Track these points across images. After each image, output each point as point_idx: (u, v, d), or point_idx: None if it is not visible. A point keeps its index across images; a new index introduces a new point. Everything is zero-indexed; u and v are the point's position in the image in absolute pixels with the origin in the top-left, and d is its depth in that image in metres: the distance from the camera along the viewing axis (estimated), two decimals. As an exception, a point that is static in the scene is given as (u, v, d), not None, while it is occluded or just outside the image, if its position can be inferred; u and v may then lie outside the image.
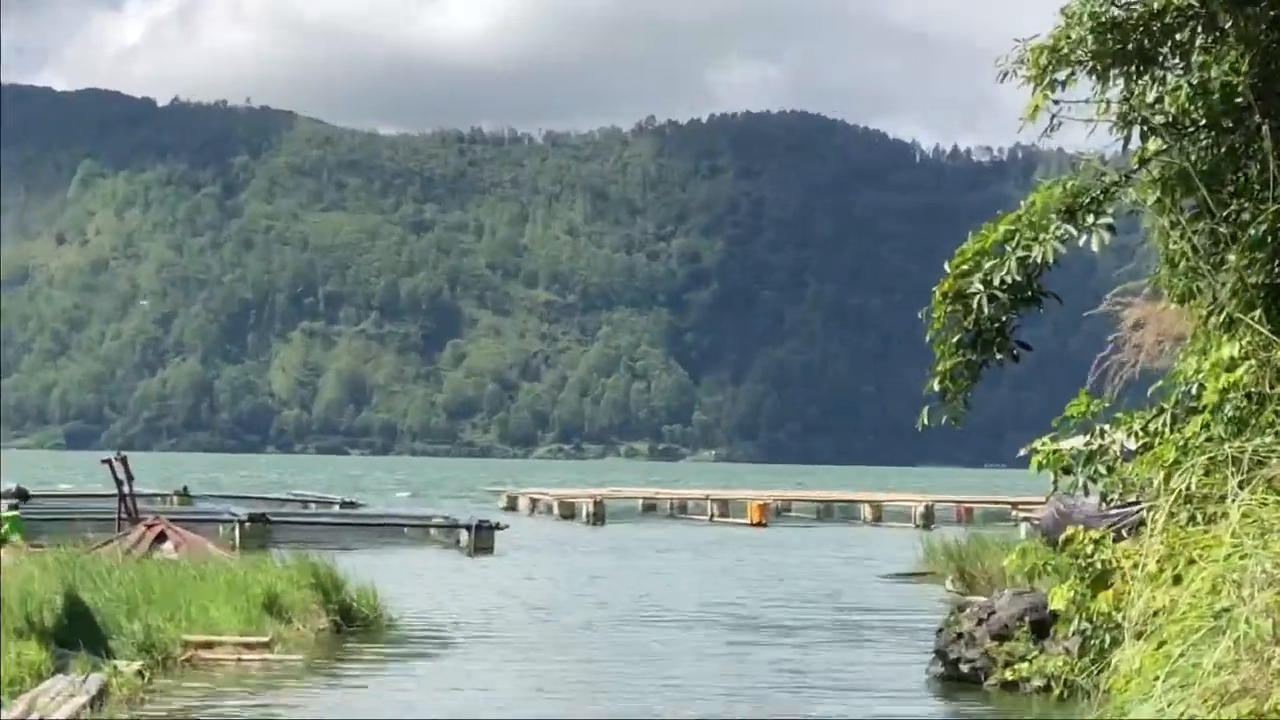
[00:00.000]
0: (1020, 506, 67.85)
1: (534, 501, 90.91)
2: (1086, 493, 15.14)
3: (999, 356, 14.95)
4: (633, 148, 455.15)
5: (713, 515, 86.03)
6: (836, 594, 42.71)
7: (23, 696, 20.03)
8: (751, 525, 78.35)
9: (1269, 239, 12.16)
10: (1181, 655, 8.89)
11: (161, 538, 39.95)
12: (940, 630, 27.04)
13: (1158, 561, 10.37)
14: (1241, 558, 9.05)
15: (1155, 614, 9.86)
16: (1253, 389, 11.94)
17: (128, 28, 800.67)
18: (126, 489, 44.18)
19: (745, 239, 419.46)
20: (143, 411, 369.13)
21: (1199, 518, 10.78)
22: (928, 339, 15.14)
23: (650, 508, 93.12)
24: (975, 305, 14.60)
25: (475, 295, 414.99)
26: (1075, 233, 14.42)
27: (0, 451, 65.58)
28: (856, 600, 40.98)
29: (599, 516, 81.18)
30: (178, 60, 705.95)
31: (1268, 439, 10.57)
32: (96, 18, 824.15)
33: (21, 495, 53.10)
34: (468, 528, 56.63)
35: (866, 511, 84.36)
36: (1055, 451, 14.60)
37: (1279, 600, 8.21)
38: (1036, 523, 35.41)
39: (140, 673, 23.52)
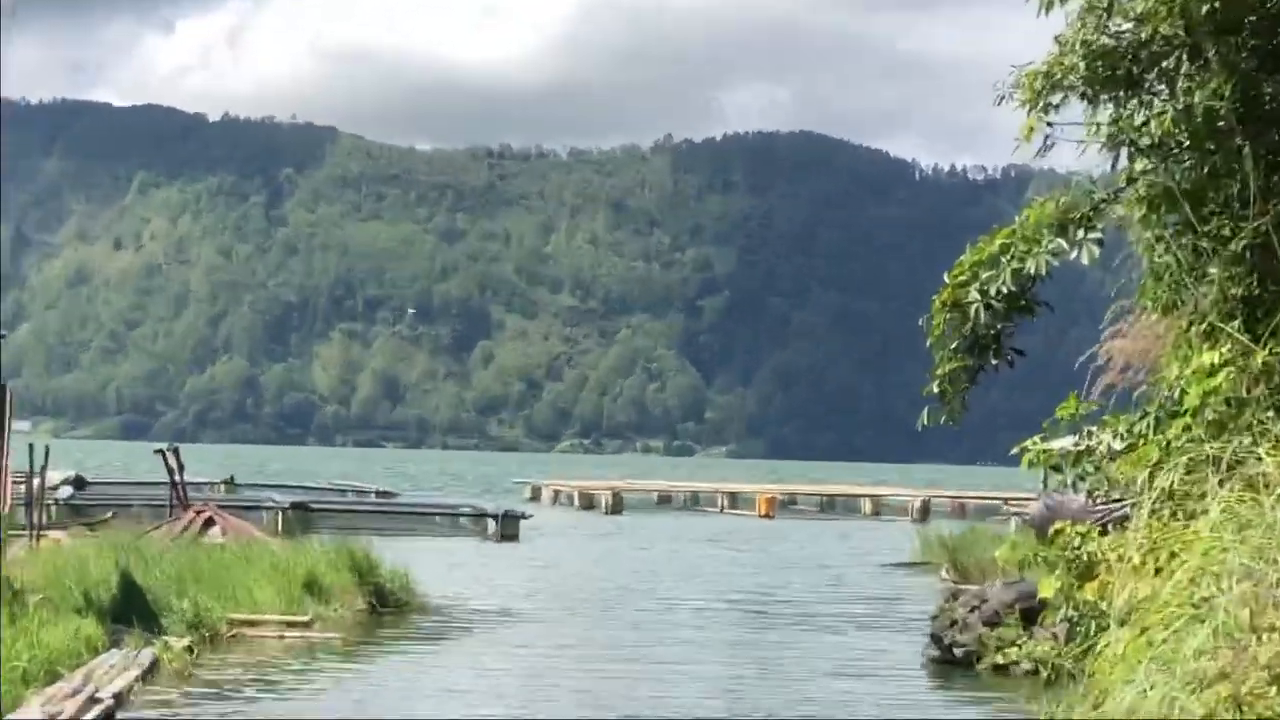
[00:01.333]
0: (1011, 502, 67.70)
1: (556, 493, 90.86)
2: (1074, 490, 15.09)
3: (994, 362, 14.94)
4: (651, 164, 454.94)
5: (723, 507, 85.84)
6: (839, 582, 42.74)
7: (80, 669, 20.12)
8: (760, 517, 78.38)
9: (1248, 254, 12.14)
10: (1163, 642, 8.90)
11: (209, 523, 40.08)
12: (935, 616, 27.16)
13: (1141, 554, 10.37)
14: (1221, 551, 9.07)
15: (1138, 603, 9.88)
16: (1231, 394, 11.92)
17: (179, 48, 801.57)
18: (178, 478, 44.36)
19: (754, 249, 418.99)
20: (192, 405, 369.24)
21: (1180, 514, 10.78)
22: (928, 344, 15.12)
23: (665, 499, 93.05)
24: (972, 313, 14.59)
25: (503, 300, 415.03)
26: (1066, 246, 14.41)
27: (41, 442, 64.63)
28: (857, 589, 40.98)
29: (617, 507, 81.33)
30: (226, 79, 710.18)
31: (1246, 441, 10.57)
32: (149, 39, 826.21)
33: (79, 483, 53.25)
34: (495, 516, 56.86)
35: (867, 505, 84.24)
36: (1045, 450, 14.58)
37: (1255, 592, 8.21)
38: (1027, 517, 35.23)
39: (189, 648, 23.77)
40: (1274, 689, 7.78)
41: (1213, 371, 12.11)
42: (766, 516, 78.44)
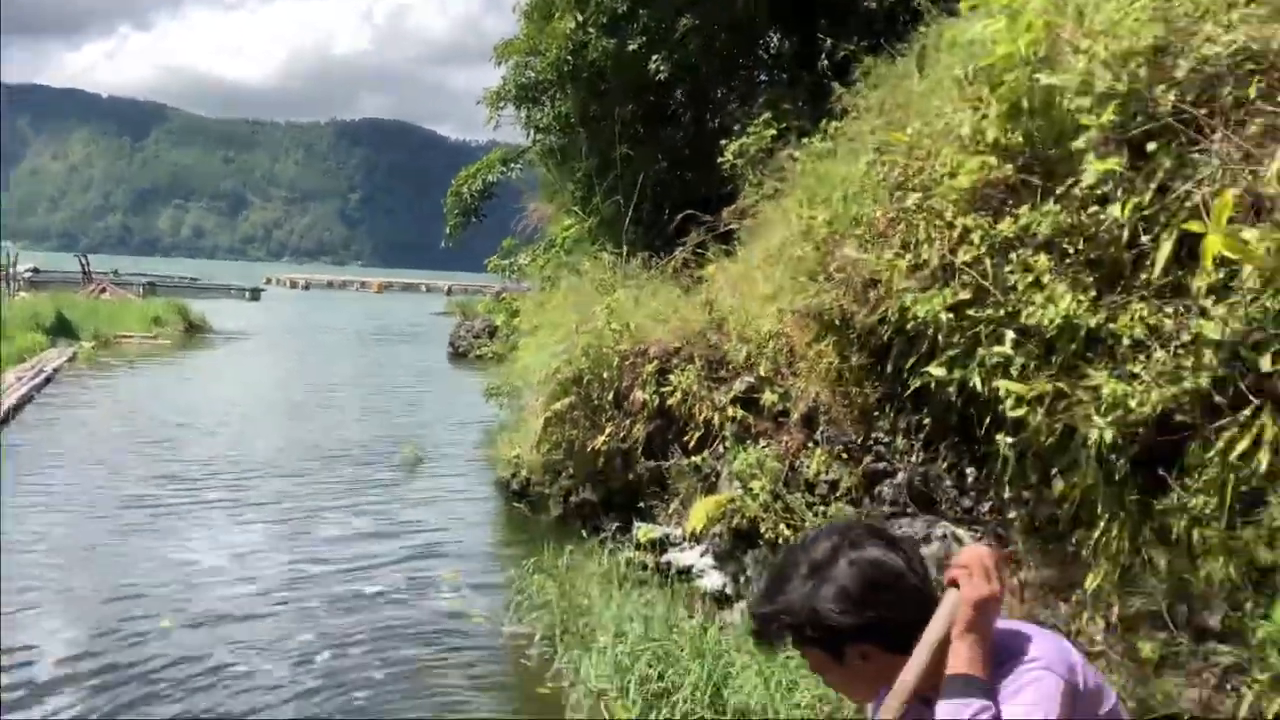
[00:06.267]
0: (486, 288, 67.50)
1: (279, 280, 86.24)
2: (513, 280, 15.25)
3: (474, 219, 14.95)
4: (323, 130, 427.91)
5: (357, 288, 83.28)
6: (406, 319, 42.10)
7: (35, 358, 18.34)
8: (374, 292, 76.43)
9: (588, 178, 12.19)
10: (544, 344, 9.09)
11: (103, 290, 36.49)
12: (452, 333, 27.09)
13: (534, 306, 10.60)
14: (564, 305, 9.33)
15: (533, 328, 10.09)
16: (575, 238, 12.23)
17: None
18: (89, 269, 40.26)
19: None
20: (94, 239, 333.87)
21: (549, 288, 11.04)
22: (445, 212, 15.02)
23: (329, 284, 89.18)
24: (465, 197, 14.55)
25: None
26: (507, 171, 14.44)
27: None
28: (416, 320, 40.53)
29: (306, 287, 78.09)
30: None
31: (579, 258, 10.84)
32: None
33: (35, 270, 47.44)
34: (249, 289, 53.85)
35: (424, 289, 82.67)
36: (498, 262, 14.76)
37: (578, 319, 8.34)
38: (493, 292, 35.31)
39: (94, 348, 21.89)
40: (598, 357, 7.90)
41: (569, 228, 12.40)
42: (378, 292, 76.47)
